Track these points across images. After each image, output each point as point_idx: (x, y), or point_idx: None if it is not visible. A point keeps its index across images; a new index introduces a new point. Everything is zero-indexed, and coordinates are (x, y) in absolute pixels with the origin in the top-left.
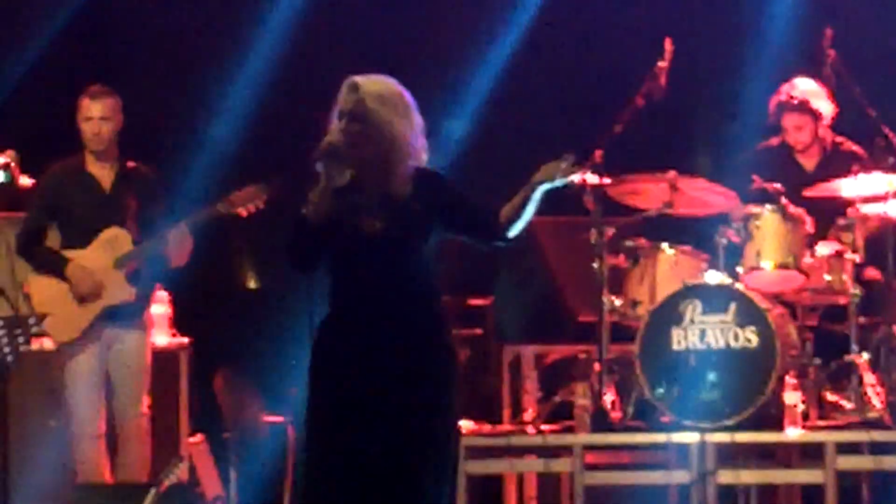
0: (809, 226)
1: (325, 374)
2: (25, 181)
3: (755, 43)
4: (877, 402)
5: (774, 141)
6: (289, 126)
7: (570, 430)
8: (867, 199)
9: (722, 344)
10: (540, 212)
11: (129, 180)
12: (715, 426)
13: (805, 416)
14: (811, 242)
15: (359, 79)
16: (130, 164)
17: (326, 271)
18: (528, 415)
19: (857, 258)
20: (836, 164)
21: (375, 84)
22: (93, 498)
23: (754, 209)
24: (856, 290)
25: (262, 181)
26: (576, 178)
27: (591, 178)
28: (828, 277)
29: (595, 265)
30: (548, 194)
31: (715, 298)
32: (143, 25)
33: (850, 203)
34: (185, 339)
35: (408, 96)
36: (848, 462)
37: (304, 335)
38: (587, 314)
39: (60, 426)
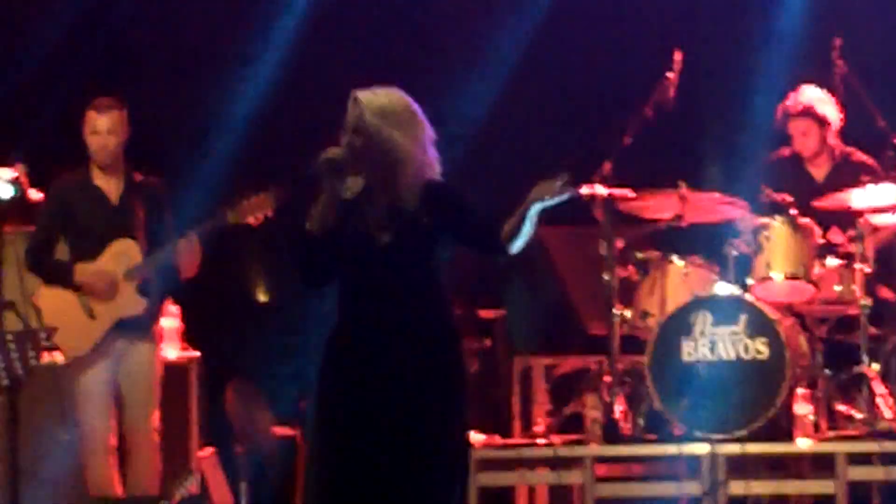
0: (819, 236)
1: (335, 387)
2: (35, 195)
3: (764, 53)
4: (887, 413)
5: (785, 152)
6: (297, 135)
7: (580, 441)
8: (877, 210)
9: (732, 355)
10: (550, 223)
11: (136, 192)
12: (726, 437)
13: (816, 427)
14: (821, 253)
15: (361, 93)
16: (137, 175)
17: (335, 284)
18: (539, 426)
19: (867, 268)
20: (847, 175)
21: (377, 98)
22: None
23: (764, 220)
24: (866, 301)
25: (270, 189)
26: (566, 197)
27: (601, 190)
28: (838, 288)
29: (605, 277)
30: (556, 206)
31: (725, 310)
32: (150, 36)
33: (860, 214)
34: (196, 353)
35: (415, 109)
36: (859, 473)
37: (314, 348)
38: (598, 326)
39: (71, 439)
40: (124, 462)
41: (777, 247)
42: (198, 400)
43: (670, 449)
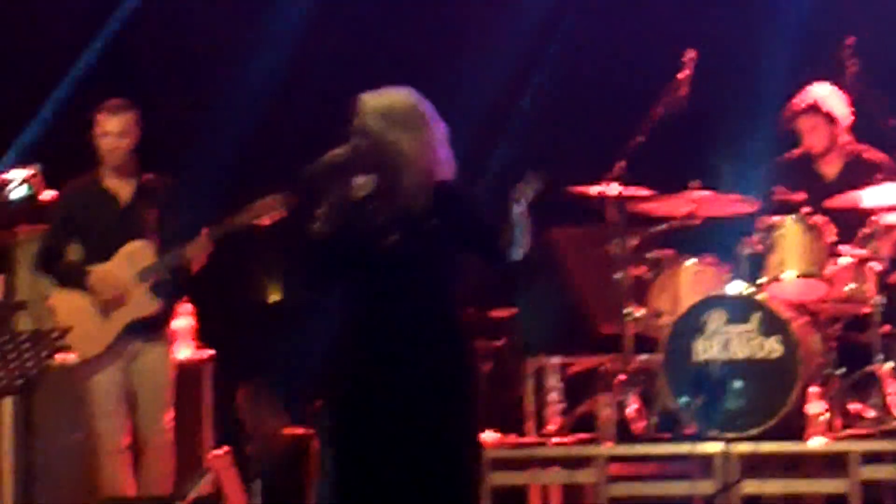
0: (832, 235)
1: (347, 392)
2: (48, 195)
3: (776, 52)
4: None
5: (796, 152)
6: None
7: (593, 441)
8: (890, 209)
9: (745, 354)
10: (562, 223)
11: (146, 193)
12: (739, 436)
13: (829, 426)
14: (834, 252)
15: (365, 95)
16: (147, 176)
17: (345, 286)
18: (552, 426)
19: (881, 267)
20: (859, 173)
21: (381, 99)
22: None
23: (777, 219)
24: (879, 300)
25: (283, 190)
26: (530, 195)
27: (613, 190)
28: (851, 287)
29: (618, 276)
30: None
31: (738, 309)
32: (159, 37)
33: (872, 212)
34: (209, 353)
35: (422, 108)
36: (872, 472)
37: (326, 348)
38: (610, 325)
39: (84, 439)
40: (137, 462)
41: (790, 245)
42: (211, 400)
43: (683, 448)
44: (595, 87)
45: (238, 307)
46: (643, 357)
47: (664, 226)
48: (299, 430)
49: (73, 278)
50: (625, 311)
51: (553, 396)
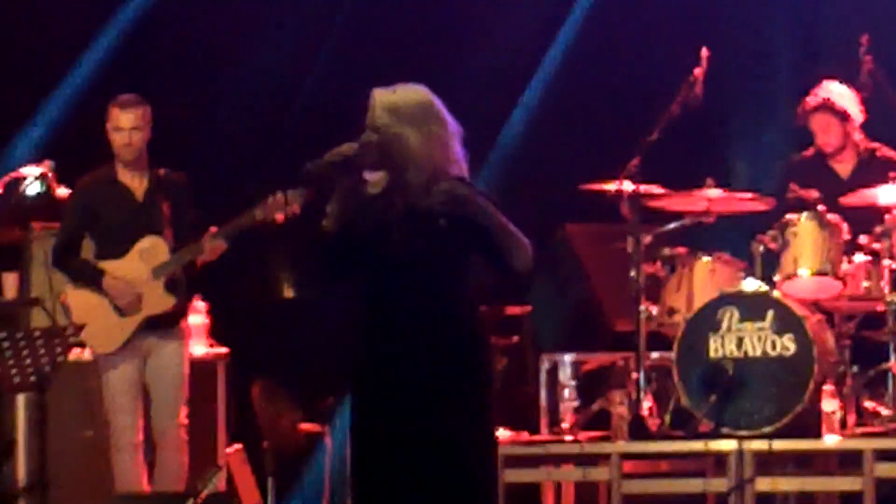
0: (846, 233)
1: (365, 392)
2: (63, 191)
3: (791, 50)
4: None
5: (808, 151)
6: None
7: (607, 438)
8: None
9: (759, 352)
10: (577, 220)
11: (161, 188)
12: (753, 434)
13: (843, 424)
14: (848, 249)
15: (377, 90)
16: (161, 171)
17: (357, 284)
18: (566, 423)
19: (895, 265)
20: (873, 171)
21: (391, 95)
22: None
23: (791, 217)
24: (893, 298)
25: (297, 187)
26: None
27: (628, 187)
28: (865, 284)
29: (632, 273)
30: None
31: (752, 306)
32: (173, 33)
33: (887, 210)
34: (223, 349)
35: (432, 105)
36: (886, 469)
37: (343, 344)
38: (624, 322)
39: (98, 436)
40: (151, 458)
41: (804, 243)
42: (225, 396)
43: (697, 445)
44: (610, 84)
45: (252, 304)
46: (657, 354)
47: (679, 223)
48: (313, 427)
49: (87, 277)
50: (639, 308)
51: (567, 394)
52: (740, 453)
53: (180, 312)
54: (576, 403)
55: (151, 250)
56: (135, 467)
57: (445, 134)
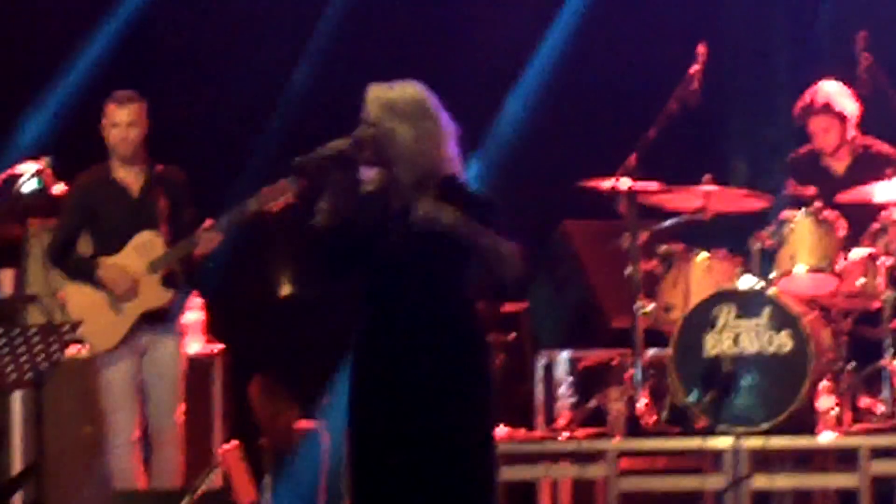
0: (843, 229)
1: (362, 385)
2: (59, 188)
3: (788, 46)
4: None
5: (804, 149)
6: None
7: (604, 435)
8: None
9: (756, 348)
10: (574, 216)
11: (157, 184)
12: (749, 431)
13: (839, 421)
14: (845, 246)
15: (373, 85)
16: (158, 167)
17: (354, 281)
18: (563, 420)
19: (892, 262)
20: (868, 167)
21: (387, 91)
22: None
23: (788, 213)
24: (890, 295)
25: (290, 176)
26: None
27: (625, 184)
28: (862, 281)
29: (629, 270)
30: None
31: (749, 303)
32: (176, 29)
33: (883, 207)
34: (220, 346)
35: (427, 103)
36: (882, 466)
37: (340, 341)
38: (621, 319)
39: (95, 433)
40: (149, 455)
41: (801, 240)
42: (222, 393)
43: (694, 442)
44: (608, 81)
45: (248, 300)
46: (654, 351)
47: (676, 220)
48: (311, 424)
49: (83, 272)
50: (636, 305)
51: (564, 390)
52: (737, 450)
53: (177, 308)
54: (572, 400)
55: (148, 245)
56: (132, 464)
57: (439, 132)
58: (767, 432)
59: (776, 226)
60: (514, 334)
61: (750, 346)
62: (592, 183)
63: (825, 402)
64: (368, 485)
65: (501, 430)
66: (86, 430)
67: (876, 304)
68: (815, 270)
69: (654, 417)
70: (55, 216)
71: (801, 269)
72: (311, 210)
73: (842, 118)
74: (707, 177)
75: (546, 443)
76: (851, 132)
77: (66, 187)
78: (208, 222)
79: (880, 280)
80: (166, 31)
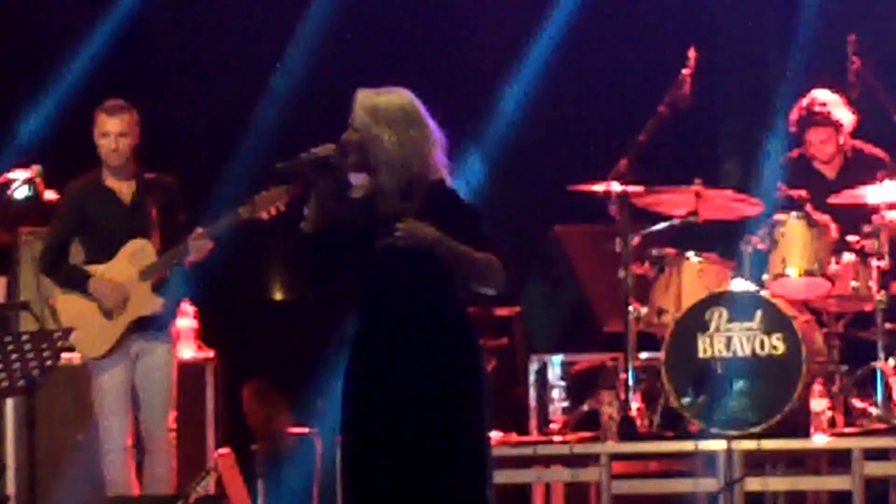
0: (835, 232)
1: (355, 391)
2: (51, 195)
3: (779, 49)
4: None
5: (794, 153)
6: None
7: (597, 439)
8: (892, 206)
9: (748, 351)
10: (566, 220)
11: (149, 191)
12: (742, 434)
13: (832, 423)
14: (837, 249)
15: (361, 90)
16: (149, 175)
17: (345, 285)
18: (556, 424)
19: (884, 264)
20: (858, 170)
21: (374, 97)
22: None
23: (780, 216)
24: (882, 297)
25: (282, 183)
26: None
27: (617, 188)
28: (854, 284)
29: (621, 274)
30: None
31: (741, 306)
32: (170, 38)
33: (874, 209)
34: (212, 352)
35: (414, 110)
36: (875, 468)
37: (332, 346)
38: (614, 323)
39: (88, 440)
40: (141, 462)
41: (793, 243)
42: (214, 399)
43: (687, 445)
44: (599, 84)
45: (240, 306)
46: (646, 355)
47: (667, 223)
48: (304, 429)
49: (74, 282)
50: (628, 308)
51: (556, 394)
52: (730, 453)
53: (169, 315)
54: (565, 404)
55: (139, 253)
56: (125, 470)
57: (425, 140)
58: (760, 435)
59: (768, 229)
60: (506, 338)
61: (742, 349)
62: (584, 187)
63: (818, 404)
64: (362, 489)
65: (495, 434)
66: (78, 436)
67: (868, 307)
68: (807, 273)
69: (647, 421)
70: (46, 223)
71: (793, 271)
72: (302, 216)
73: (839, 128)
74: (698, 180)
75: (539, 446)
76: (844, 139)
77: (58, 195)
78: (199, 230)
79: (872, 282)
80: (157, 40)
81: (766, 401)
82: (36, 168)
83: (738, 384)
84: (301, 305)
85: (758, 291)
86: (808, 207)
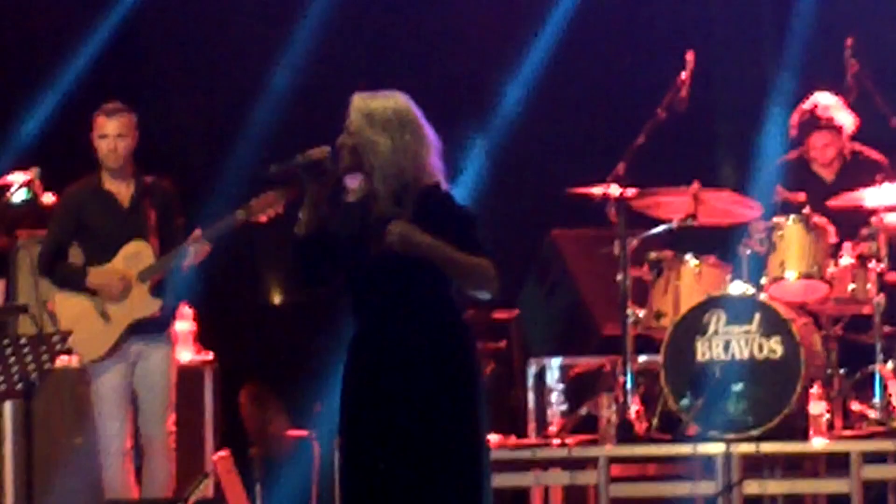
0: (833, 236)
1: (353, 394)
2: (48, 198)
3: (776, 53)
4: None
5: (792, 155)
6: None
7: (595, 442)
8: (890, 209)
9: (746, 355)
10: (563, 224)
11: (147, 194)
12: (740, 437)
13: (830, 426)
14: (835, 252)
15: (358, 94)
16: (148, 178)
17: (340, 289)
18: (554, 427)
19: (882, 267)
20: (856, 173)
21: (370, 100)
22: None
23: (778, 219)
24: (880, 300)
25: (279, 187)
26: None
27: (615, 191)
28: (852, 287)
29: (619, 277)
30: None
31: (739, 309)
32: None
33: (873, 212)
34: (210, 355)
35: (410, 115)
36: (874, 471)
37: (330, 350)
38: (612, 326)
39: (86, 443)
40: (140, 465)
41: (791, 246)
42: (212, 402)
43: (685, 449)
44: (597, 87)
45: (238, 310)
46: (644, 358)
47: (665, 227)
48: (302, 432)
49: (72, 281)
50: (626, 312)
51: (554, 398)
52: (728, 456)
53: (168, 318)
54: (563, 407)
55: (137, 255)
56: (123, 474)
57: (419, 145)
58: (758, 438)
59: (766, 232)
60: (504, 342)
61: (740, 352)
62: (581, 190)
63: (816, 407)
64: (360, 493)
65: (493, 438)
66: (76, 440)
67: (866, 310)
68: (805, 276)
69: (645, 424)
70: (44, 226)
71: (791, 275)
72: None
73: (841, 132)
74: (696, 183)
75: (537, 450)
76: (845, 143)
77: (55, 198)
78: (197, 233)
79: (870, 285)
80: (153, 41)
81: (764, 404)
82: (34, 171)
83: (737, 387)
84: (299, 309)
85: (756, 294)
86: (806, 210)
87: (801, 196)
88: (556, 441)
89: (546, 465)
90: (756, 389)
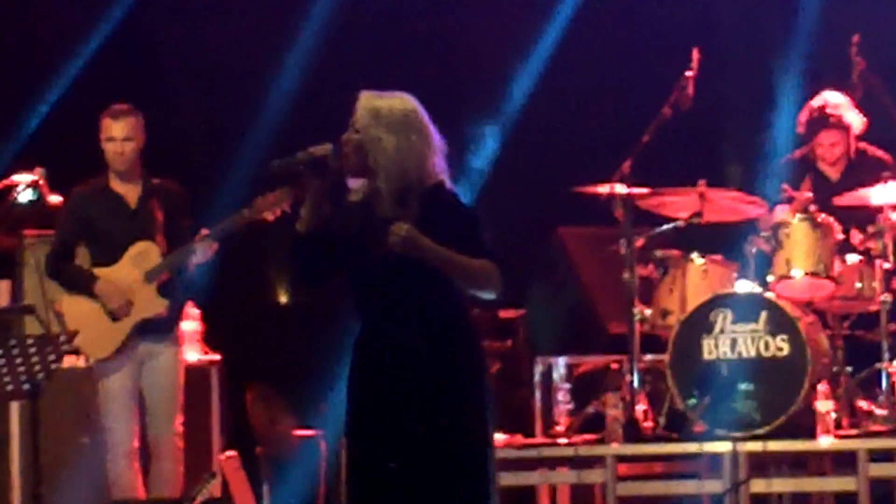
0: (839, 233)
1: (360, 393)
2: (55, 199)
3: (783, 51)
4: None
5: (797, 153)
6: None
7: (602, 440)
8: None
9: (753, 353)
10: (570, 223)
11: (154, 195)
12: (747, 435)
13: (837, 424)
14: (841, 250)
15: (364, 92)
16: (155, 180)
17: (343, 289)
18: (560, 426)
19: (888, 265)
20: (862, 172)
21: (376, 99)
22: None
23: (783, 218)
24: (886, 298)
25: (285, 186)
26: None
27: (620, 190)
28: (858, 285)
29: (625, 276)
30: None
31: (745, 307)
32: (175, 45)
33: (878, 210)
34: (217, 355)
35: (415, 115)
36: (880, 469)
37: (336, 349)
38: (618, 325)
39: (93, 443)
40: (147, 465)
41: (797, 244)
42: (219, 402)
43: (691, 447)
44: (602, 86)
45: (245, 309)
46: (651, 357)
47: (671, 225)
48: (308, 432)
49: (80, 284)
50: (632, 310)
51: (561, 396)
52: (735, 455)
53: (175, 317)
54: (570, 406)
55: (144, 255)
56: (130, 474)
57: (424, 146)
58: (765, 436)
59: (772, 230)
60: (511, 341)
61: (747, 350)
62: (587, 189)
63: (823, 405)
64: (366, 493)
65: (500, 437)
66: (83, 440)
67: (873, 308)
68: (812, 274)
69: (652, 422)
70: (50, 227)
71: (797, 273)
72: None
73: (849, 131)
74: (701, 182)
75: (544, 449)
76: (852, 142)
77: (62, 198)
78: (204, 232)
79: (876, 283)
80: (157, 41)
81: (770, 402)
82: (40, 171)
83: (743, 386)
84: (305, 308)
85: (762, 293)
86: (812, 208)
87: (807, 194)
88: (563, 440)
89: (553, 463)
90: (763, 388)
